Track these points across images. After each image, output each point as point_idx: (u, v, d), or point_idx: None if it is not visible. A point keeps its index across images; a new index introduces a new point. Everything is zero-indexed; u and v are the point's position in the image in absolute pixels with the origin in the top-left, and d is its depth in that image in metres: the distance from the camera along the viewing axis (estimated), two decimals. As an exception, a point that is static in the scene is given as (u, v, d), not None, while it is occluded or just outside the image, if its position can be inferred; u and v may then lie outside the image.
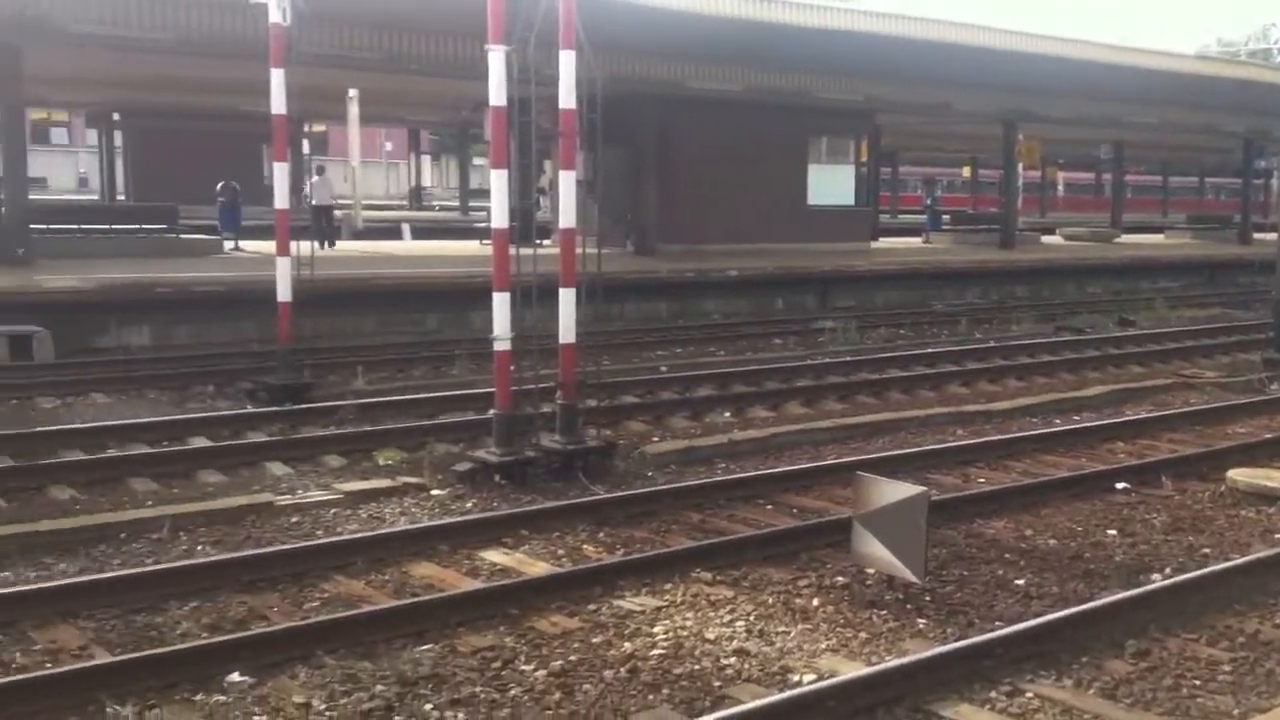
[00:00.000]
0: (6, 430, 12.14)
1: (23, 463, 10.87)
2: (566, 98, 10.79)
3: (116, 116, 41.63)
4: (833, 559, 8.56)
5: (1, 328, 16.47)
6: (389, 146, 68.01)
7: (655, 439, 12.61)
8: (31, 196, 23.92)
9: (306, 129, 41.89)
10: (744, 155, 29.06)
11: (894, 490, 7.78)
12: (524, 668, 6.67)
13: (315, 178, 30.87)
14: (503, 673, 6.60)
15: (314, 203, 28.79)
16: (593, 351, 11.52)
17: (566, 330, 11.02)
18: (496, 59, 10.51)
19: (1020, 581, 8.23)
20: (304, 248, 14.33)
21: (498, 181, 10.81)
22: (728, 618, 7.45)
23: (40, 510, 9.61)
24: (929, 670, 6.35)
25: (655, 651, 6.90)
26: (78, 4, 19.83)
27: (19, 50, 20.44)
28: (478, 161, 59.23)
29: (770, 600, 7.78)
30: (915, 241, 39.92)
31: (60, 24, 19.82)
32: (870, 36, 26.10)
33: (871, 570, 8.02)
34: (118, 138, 42.88)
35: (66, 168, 61.71)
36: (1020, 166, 40.21)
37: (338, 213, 31.94)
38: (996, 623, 7.34)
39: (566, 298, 11.00)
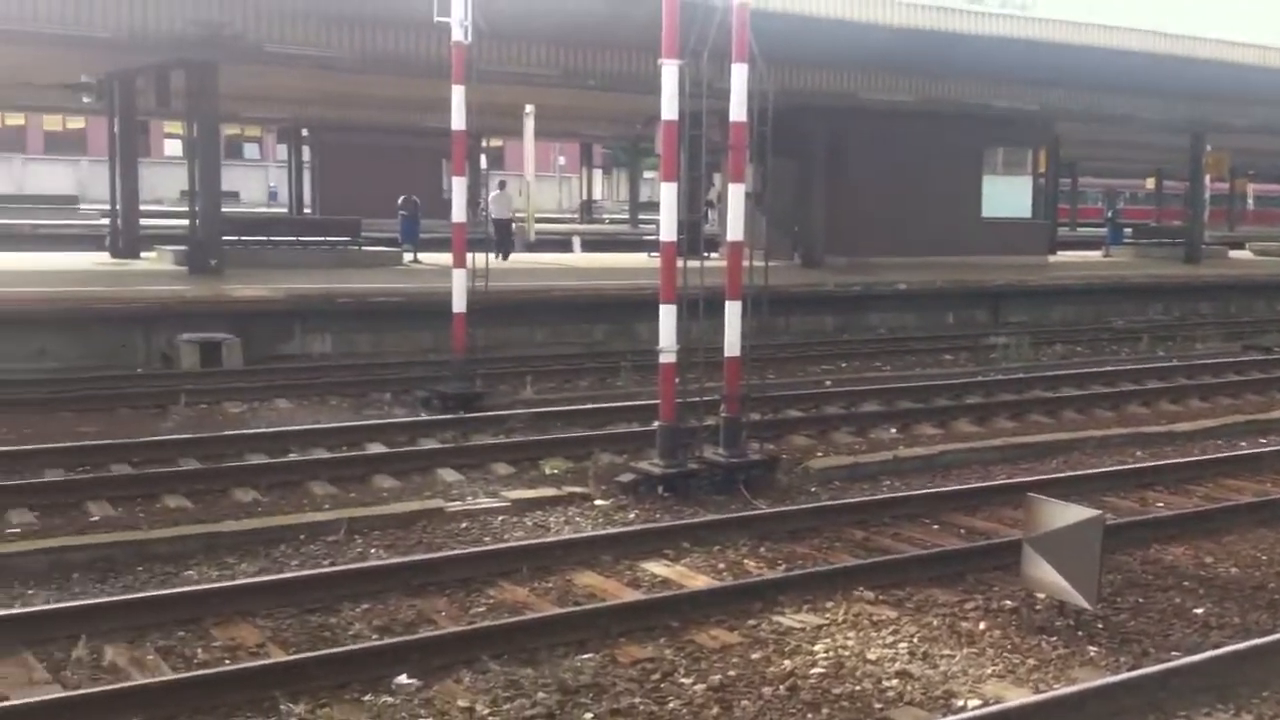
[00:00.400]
0: (195, 434, 12.73)
1: (209, 465, 11.39)
2: (738, 110, 10.83)
3: (305, 132, 43.24)
4: (1001, 582, 8.37)
5: (194, 335, 17.24)
6: (562, 161, 69.01)
7: (819, 454, 12.52)
8: (224, 209, 24.97)
9: (484, 144, 42.83)
10: (915, 166, 28.63)
11: (1067, 513, 7.58)
12: (683, 680, 6.70)
13: (495, 192, 31.67)
14: (662, 685, 6.64)
15: (493, 216, 29.47)
16: (757, 365, 11.49)
17: (732, 343, 11.03)
18: (670, 73, 10.59)
19: (1199, 611, 7.93)
20: (479, 260, 14.64)
21: (667, 194, 10.88)
22: (890, 639, 7.35)
23: (224, 511, 10.03)
24: (1099, 699, 6.16)
25: (815, 670, 6.86)
26: (271, 24, 20.75)
27: (215, 67, 21.43)
28: (648, 175, 59.69)
29: (935, 622, 7.65)
30: (1095, 255, 38.75)
31: (254, 43, 20.76)
32: (1048, 45, 25.48)
33: (1041, 595, 7.82)
34: (305, 153, 44.51)
35: (257, 181, 64.27)
36: (1208, 178, 38.66)
37: (514, 225, 32.78)
38: (1172, 653, 7.09)
39: (733, 310, 11.02)
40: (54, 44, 19.74)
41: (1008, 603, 7.99)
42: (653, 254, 29.21)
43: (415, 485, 11.06)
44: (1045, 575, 7.55)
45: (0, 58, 24.32)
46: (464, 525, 9.75)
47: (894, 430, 13.92)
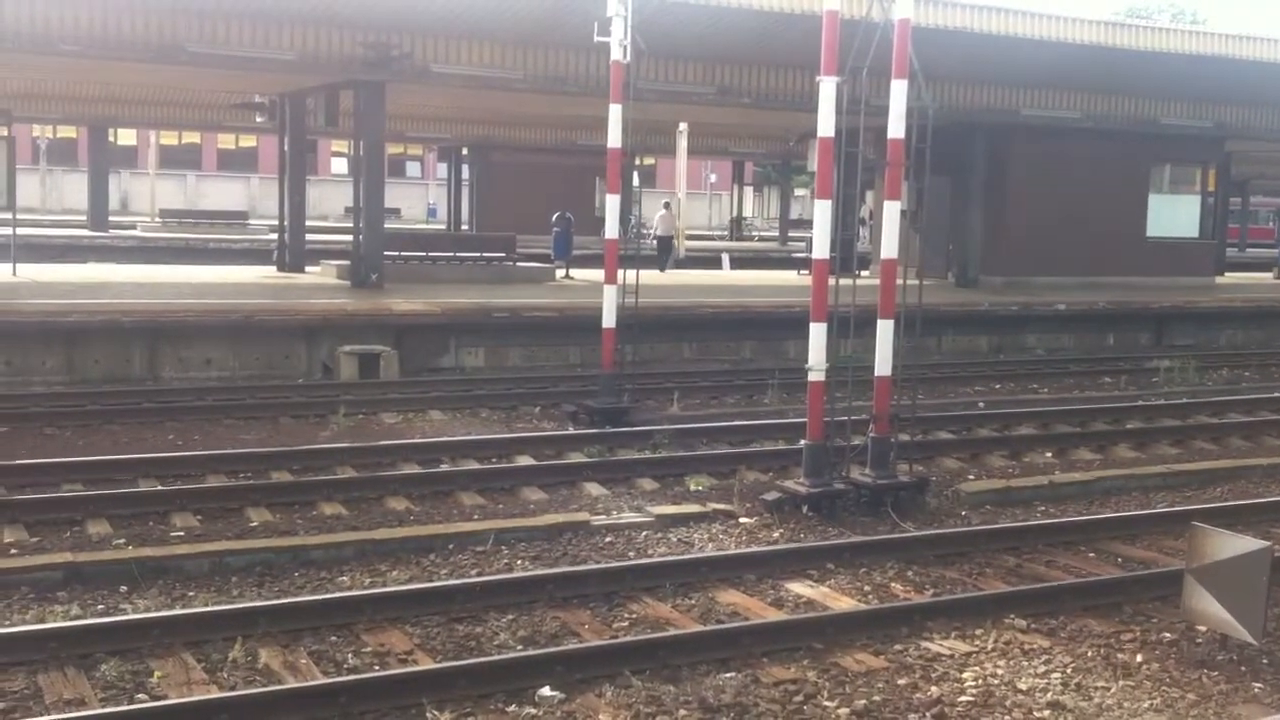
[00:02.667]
0: (352, 443, 13.07)
1: (364, 474, 11.67)
2: (896, 127, 10.70)
3: (465, 151, 44.18)
4: (1160, 614, 8.11)
5: (353, 347, 17.71)
6: (713, 178, 69.16)
7: (970, 477, 12.28)
8: (385, 226, 25.60)
9: (637, 162, 43.22)
10: (1077, 184, 27.86)
11: (1233, 544, 7.30)
12: (826, 704, 6.61)
13: (662, 211, 34.89)
14: (804, 707, 6.57)
15: (658, 233, 33.70)
16: (908, 385, 11.32)
17: (882, 362, 10.89)
18: (828, 89, 10.52)
19: (1374, 651, 7.53)
20: (629, 276, 14.73)
21: (821, 212, 10.80)
22: (1042, 668, 7.16)
23: (378, 519, 10.27)
24: (1264, 741, 5.90)
25: (963, 698, 6.71)
26: (438, 46, 21.28)
27: (383, 88, 22.03)
28: (798, 192, 59.34)
29: (1089, 653, 7.43)
30: (1265, 277, 37.26)
31: (422, 64, 21.32)
32: (1222, 60, 24.64)
33: (1203, 628, 7.55)
34: (465, 171, 45.44)
35: (418, 198, 65.80)
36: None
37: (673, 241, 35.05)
38: (1345, 695, 6.75)
39: (884, 329, 10.88)
40: (233, 65, 20.55)
41: (1167, 635, 7.72)
42: (802, 272, 29.11)
43: (562, 498, 11.17)
44: (1208, 607, 7.28)
45: (185, 79, 25.45)
46: (608, 539, 9.81)
47: (1049, 454, 13.56)
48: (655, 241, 33.96)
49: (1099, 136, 27.74)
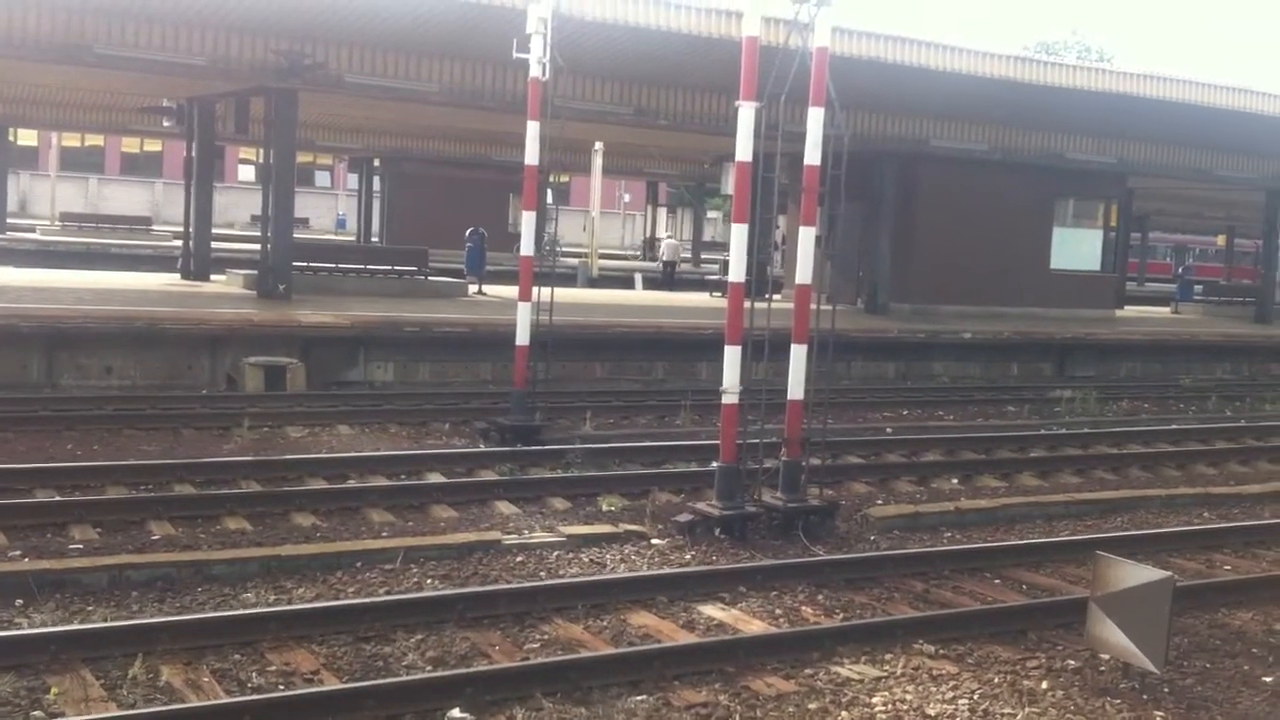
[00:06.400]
0: (257, 456, 12.81)
1: (270, 489, 11.45)
2: (812, 154, 10.79)
3: (376, 162, 43.78)
4: (1065, 641, 8.23)
5: (259, 359, 17.41)
6: (627, 198, 69.38)
7: (879, 502, 12.40)
8: (294, 235, 25.20)
9: (551, 179, 43.19)
10: (983, 215, 28.42)
11: (1136, 573, 7.44)
12: (737, 728, 6.60)
13: (669, 240, 42.33)
14: (716, 731, 6.56)
15: (664, 259, 40.40)
16: (819, 409, 11.41)
17: (795, 386, 10.95)
18: (746, 114, 10.58)
19: (1268, 679, 7.74)
20: (543, 294, 14.66)
21: (738, 235, 10.84)
22: (950, 694, 7.23)
23: (283, 535, 10.07)
24: (1165, 768, 6.00)
25: (872, 723, 6.74)
26: (353, 56, 21.06)
27: (295, 96, 21.72)
28: (711, 215, 59.71)
29: (996, 679, 7.51)
30: (1163, 311, 38.29)
31: (336, 73, 21.06)
32: (1126, 97, 25.32)
33: (1106, 656, 7.67)
34: (375, 182, 45.04)
35: (327, 209, 65.07)
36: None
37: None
38: (1241, 722, 6.91)
39: (798, 353, 10.94)
40: (142, 68, 20.12)
41: (1071, 662, 7.84)
42: (715, 294, 29.28)
43: (472, 516, 11.06)
44: (1111, 636, 7.40)
45: (91, 80, 24.89)
46: (520, 559, 9.72)
47: (955, 481, 13.75)
48: (663, 265, 40.91)
49: (1006, 169, 28.33)
